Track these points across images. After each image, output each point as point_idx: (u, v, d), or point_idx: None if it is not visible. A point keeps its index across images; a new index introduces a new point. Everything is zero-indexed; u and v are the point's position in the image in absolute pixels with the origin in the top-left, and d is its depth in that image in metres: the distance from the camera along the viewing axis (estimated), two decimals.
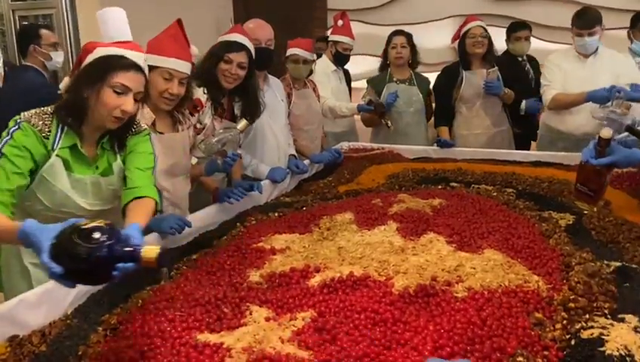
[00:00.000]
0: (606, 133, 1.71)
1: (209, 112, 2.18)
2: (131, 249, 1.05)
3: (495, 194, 2.25)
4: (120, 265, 1.03)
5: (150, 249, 1.05)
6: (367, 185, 2.53)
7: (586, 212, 1.93)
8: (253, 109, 2.31)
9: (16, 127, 1.43)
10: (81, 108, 1.44)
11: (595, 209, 1.93)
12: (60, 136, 1.46)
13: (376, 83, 3.41)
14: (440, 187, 2.43)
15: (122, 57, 1.44)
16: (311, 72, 3.08)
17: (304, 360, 1.06)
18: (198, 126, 2.15)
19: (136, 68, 1.45)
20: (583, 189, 1.79)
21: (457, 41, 3.29)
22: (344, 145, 3.22)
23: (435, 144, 3.20)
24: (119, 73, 1.42)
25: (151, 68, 1.65)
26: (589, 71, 3.00)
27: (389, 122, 3.19)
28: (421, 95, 3.39)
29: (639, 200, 2.10)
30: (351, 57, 3.67)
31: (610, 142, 1.71)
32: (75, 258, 1.02)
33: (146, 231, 1.73)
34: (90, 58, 1.45)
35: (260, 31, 2.48)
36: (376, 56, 3.84)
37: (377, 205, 2.07)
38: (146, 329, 1.21)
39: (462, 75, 3.25)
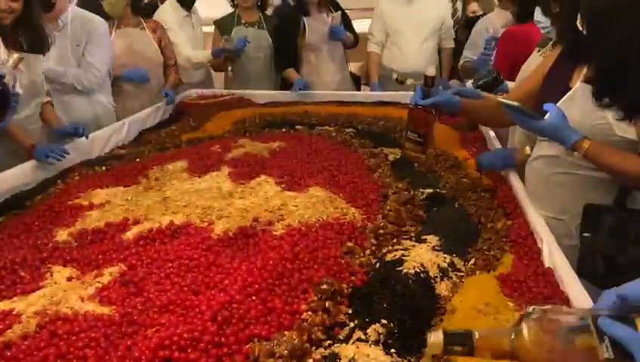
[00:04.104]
0: (431, 70, 1.70)
1: (1, 46, 1.90)
2: None
3: (334, 134, 2.31)
4: None
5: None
6: (213, 133, 2.45)
7: (415, 163, 1.84)
8: (36, 42, 2.00)
9: None
10: None
11: (425, 157, 1.79)
12: None
13: (223, 25, 3.25)
14: (284, 130, 2.43)
15: None
16: (141, 9, 2.85)
17: (104, 316, 1.01)
18: None
19: None
20: (412, 136, 1.75)
21: None
22: (192, 93, 3.07)
23: (292, 90, 3.06)
24: None
25: None
26: (416, 12, 3.13)
27: (229, 67, 3.20)
28: (270, 39, 3.31)
29: (460, 134, 2.29)
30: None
31: (434, 81, 1.70)
32: None
33: None
34: None
35: None
36: None
37: (215, 152, 2.01)
38: None
39: (303, 21, 3.19)
